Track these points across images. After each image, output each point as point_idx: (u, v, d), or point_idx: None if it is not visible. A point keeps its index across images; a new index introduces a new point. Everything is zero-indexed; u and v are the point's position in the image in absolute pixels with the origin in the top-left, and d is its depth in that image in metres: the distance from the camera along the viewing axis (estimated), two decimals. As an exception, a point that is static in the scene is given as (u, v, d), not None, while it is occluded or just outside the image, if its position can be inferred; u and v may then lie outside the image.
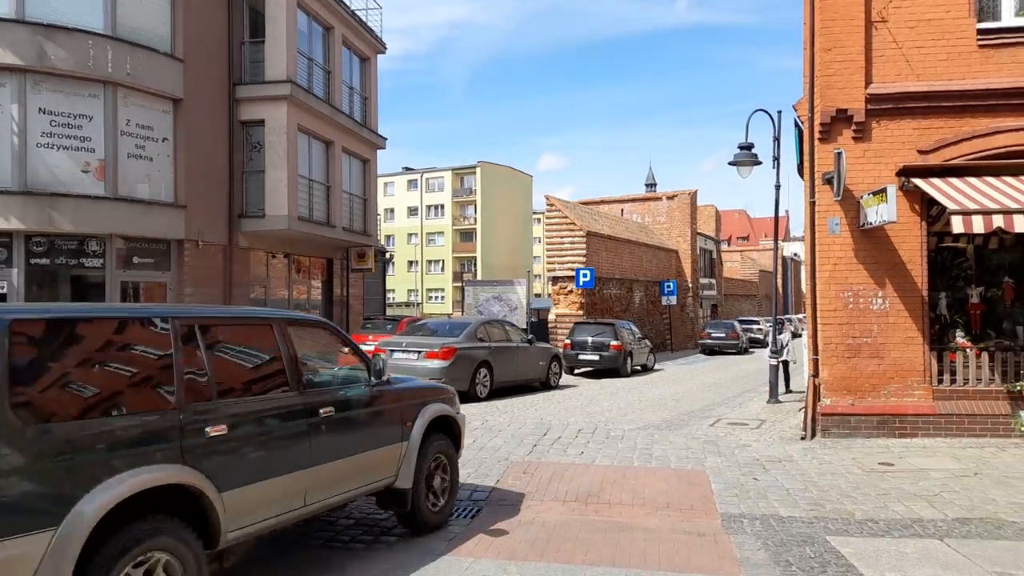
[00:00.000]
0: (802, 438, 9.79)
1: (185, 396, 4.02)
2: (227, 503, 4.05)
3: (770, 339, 14.80)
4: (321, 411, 4.90)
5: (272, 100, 18.26)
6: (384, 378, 5.78)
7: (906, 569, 5.07)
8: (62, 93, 14.59)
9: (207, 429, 4.05)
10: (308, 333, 5.59)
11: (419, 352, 13.78)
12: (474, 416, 11.55)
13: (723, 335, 31.93)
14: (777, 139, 14.32)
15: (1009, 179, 8.84)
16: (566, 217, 26.02)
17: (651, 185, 58.67)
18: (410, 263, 77.04)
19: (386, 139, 24.37)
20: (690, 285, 36.39)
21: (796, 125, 11.50)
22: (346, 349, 5.83)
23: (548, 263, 26.84)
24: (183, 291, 16.59)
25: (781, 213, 14.76)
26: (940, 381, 9.58)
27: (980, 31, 9.43)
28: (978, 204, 8.10)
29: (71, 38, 14.40)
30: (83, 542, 3.29)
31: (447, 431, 6.39)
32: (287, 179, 18.23)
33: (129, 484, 3.53)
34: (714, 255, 44.08)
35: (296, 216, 18.61)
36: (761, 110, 14.68)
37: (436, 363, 13.43)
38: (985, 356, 9.57)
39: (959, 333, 9.89)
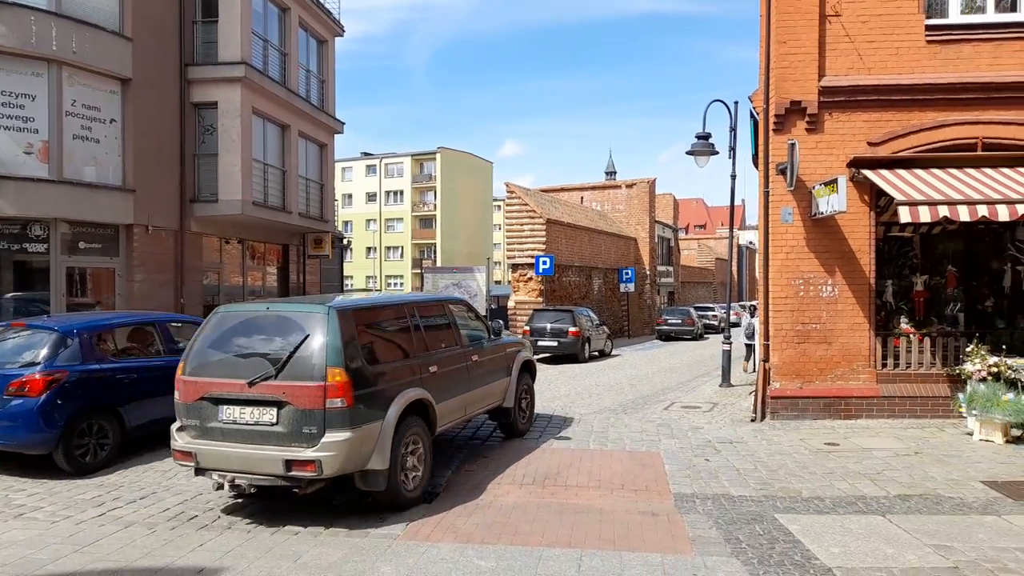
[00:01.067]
0: (752, 420, 10.05)
1: (417, 350, 6.98)
2: (439, 410, 6.97)
3: (724, 325, 15.12)
4: (473, 357, 7.99)
5: (226, 82, 17.81)
6: (499, 336, 8.99)
7: (850, 544, 5.26)
8: (3, 71, 14.00)
9: (430, 368, 7.00)
10: (457, 308, 8.36)
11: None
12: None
13: (679, 321, 32.47)
14: (733, 130, 14.55)
15: (954, 171, 9.15)
16: (526, 204, 26.07)
17: (611, 173, 59.04)
18: (368, 249, 76.27)
19: (344, 123, 24.02)
20: (648, 272, 36.84)
21: (752, 116, 11.70)
22: (473, 316, 8.67)
23: (508, 250, 26.87)
24: (132, 277, 16.16)
25: (737, 202, 15.05)
26: (884, 365, 9.91)
27: (928, 27, 9.71)
28: (924, 195, 8.37)
29: (13, 14, 13.82)
30: (394, 427, 6.16)
31: (529, 370, 9.71)
32: (241, 163, 17.84)
33: (407, 398, 6.43)
34: (671, 243, 44.68)
35: (250, 201, 18.25)
36: (718, 101, 14.90)
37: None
38: (927, 341, 9.93)
39: (904, 319, 10.24)
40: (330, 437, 5.68)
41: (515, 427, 9.10)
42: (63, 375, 7.35)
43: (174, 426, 6.30)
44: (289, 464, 5.65)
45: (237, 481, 5.92)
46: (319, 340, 5.87)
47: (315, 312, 6.10)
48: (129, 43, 15.97)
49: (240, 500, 6.49)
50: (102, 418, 7.64)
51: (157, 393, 8.29)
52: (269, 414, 5.84)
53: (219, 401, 6.01)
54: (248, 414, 5.91)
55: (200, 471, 6.07)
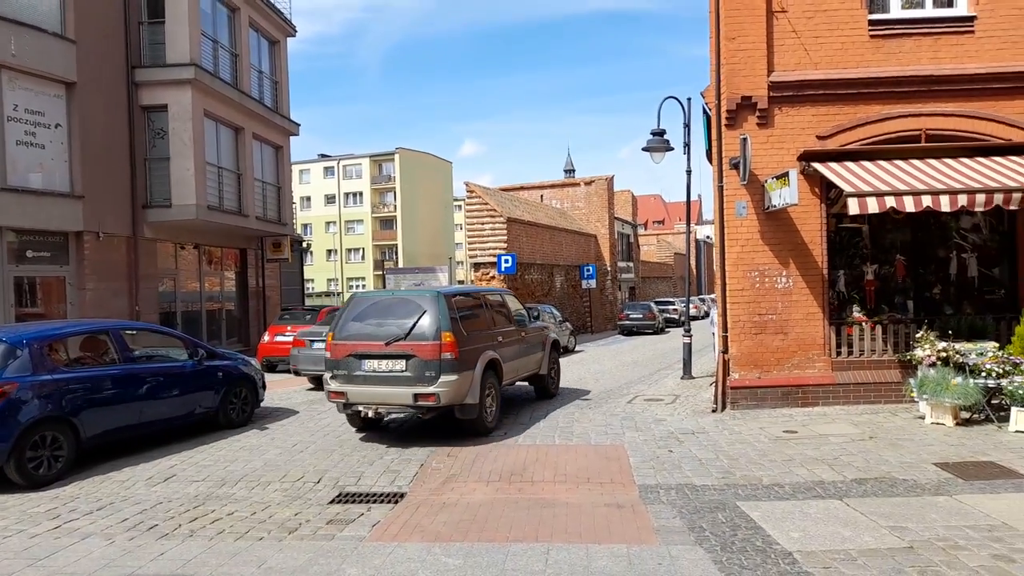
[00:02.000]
0: (713, 411, 10.22)
1: (489, 326, 9.79)
2: (504, 368, 9.75)
3: (685, 319, 15.31)
4: (521, 333, 10.76)
5: (175, 84, 17.46)
6: (537, 320, 12.52)
7: (809, 528, 5.40)
8: (-61, 74, 13.54)
9: (498, 338, 9.77)
10: (509, 298, 11.18)
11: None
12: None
13: (640, 316, 32.81)
14: (687, 126, 14.75)
15: (899, 162, 9.44)
16: (486, 204, 26.06)
17: (570, 171, 59.26)
18: (329, 252, 75.43)
19: (299, 125, 23.73)
20: (609, 269, 37.14)
21: (704, 112, 11.89)
22: (519, 305, 11.52)
23: (470, 250, 26.83)
24: (84, 285, 15.74)
25: (693, 197, 15.28)
26: (839, 353, 10.18)
27: (871, 22, 9.99)
28: (872, 186, 8.61)
29: (-53, 15, 13.36)
30: (481, 376, 8.88)
31: (556, 348, 12.49)
32: (194, 167, 17.51)
33: (488, 357, 9.19)
34: (631, 239, 45.12)
35: (205, 205, 17.92)
36: (672, 97, 15.08)
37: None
38: (879, 329, 10.22)
39: (856, 308, 10.53)
40: (444, 379, 8.44)
41: (548, 390, 12.05)
42: (13, 387, 7.12)
43: (326, 375, 9.00)
44: (416, 397, 8.44)
45: (379, 411, 8.83)
46: (433, 314, 8.64)
47: (428, 295, 8.95)
48: (72, 45, 15.55)
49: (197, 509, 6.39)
50: (55, 429, 7.43)
51: (113, 402, 8.10)
52: (400, 364, 8.60)
53: (362, 357, 8.74)
54: (385, 365, 8.67)
55: (348, 405, 8.88)
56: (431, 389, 8.37)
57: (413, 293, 9.20)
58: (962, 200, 8.31)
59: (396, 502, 6.46)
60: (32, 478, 7.15)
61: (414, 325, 8.58)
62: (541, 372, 11.62)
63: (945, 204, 8.33)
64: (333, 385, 8.83)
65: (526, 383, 11.71)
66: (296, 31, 23.76)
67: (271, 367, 16.30)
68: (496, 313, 10.28)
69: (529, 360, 11.05)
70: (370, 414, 8.83)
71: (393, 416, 9.58)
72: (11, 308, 14.46)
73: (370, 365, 8.67)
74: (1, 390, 7.03)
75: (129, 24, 17.27)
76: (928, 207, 8.37)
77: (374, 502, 6.47)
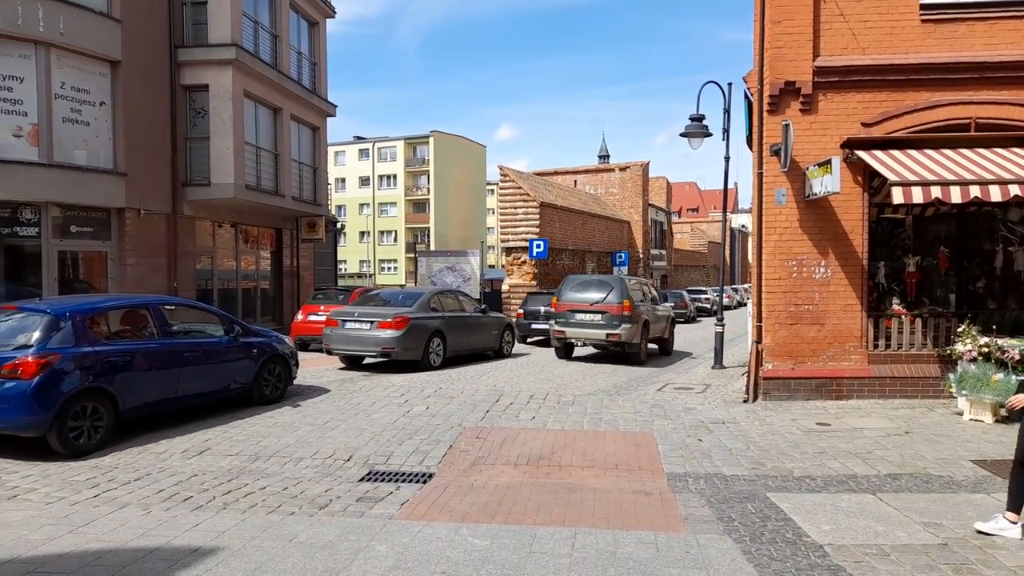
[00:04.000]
0: (744, 401, 10.11)
1: (644, 300, 16.04)
2: (652, 328, 16.10)
3: (717, 308, 15.19)
4: (658, 309, 16.94)
5: (217, 64, 17.67)
6: (666, 301, 20.53)
7: (840, 522, 5.32)
8: (-10, 53, 13.87)
9: (649, 309, 16.34)
10: (653, 287, 17.90)
11: (372, 322, 13.68)
12: (427, 384, 11.59)
13: (672, 304, 32.51)
14: (727, 111, 14.50)
15: (947, 151, 9.16)
16: (520, 188, 25.99)
17: (604, 157, 58.89)
18: (362, 234, 76.03)
19: (336, 107, 23.86)
20: (641, 256, 36.85)
21: (746, 97, 11.67)
22: (654, 291, 17.63)
23: (502, 234, 26.83)
24: (125, 261, 16.10)
25: (730, 185, 15.09)
26: (876, 346, 9.97)
27: (923, 6, 9.68)
28: (917, 176, 8.38)
29: (-2, -6, 13.65)
30: (641, 330, 15.37)
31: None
32: (233, 146, 17.74)
33: (644, 318, 15.52)
34: (665, 226, 44.69)
35: (243, 185, 18.16)
36: (712, 82, 14.83)
37: (389, 332, 13.37)
38: (919, 322, 9.99)
39: (895, 300, 10.29)
40: (623, 327, 14.52)
41: (667, 350, 17.81)
42: (56, 358, 7.31)
43: (551, 322, 15.64)
44: (608, 335, 14.70)
45: (585, 343, 15.78)
46: (618, 289, 14.97)
47: (615, 278, 15.65)
48: (118, 24, 15.81)
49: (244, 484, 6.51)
50: (96, 400, 7.62)
51: (151, 375, 8.29)
52: (598, 316, 14.80)
53: (575, 311, 15.07)
54: (589, 317, 14.91)
55: (562, 339, 15.43)
56: (617, 331, 14.60)
57: (606, 276, 16.80)
58: (1014, 190, 8.04)
59: (424, 482, 6.51)
60: (73, 447, 7.36)
61: (607, 294, 14.94)
62: (665, 336, 17.50)
63: (995, 194, 8.07)
64: (556, 327, 15.45)
65: (655, 345, 17.23)
66: (335, 12, 23.84)
67: (304, 346, 16.54)
68: (648, 293, 16.54)
69: (658, 327, 16.71)
70: (577, 344, 16.13)
71: (588, 346, 16.55)
72: (54, 282, 14.86)
73: (580, 317, 15.12)
74: (44, 360, 7.23)
75: (173, 4, 17.49)
76: (976, 197, 8.12)
77: (403, 481, 6.53)
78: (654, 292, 17.14)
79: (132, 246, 16.30)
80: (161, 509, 5.75)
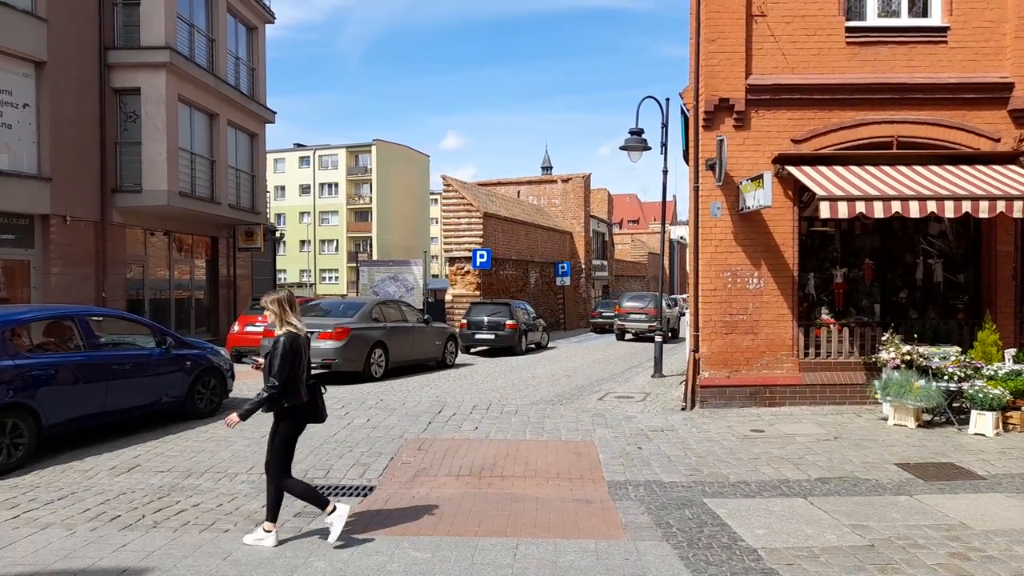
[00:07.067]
0: (683, 409, 10.33)
1: (659, 310, 20.52)
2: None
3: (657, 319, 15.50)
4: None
5: (149, 67, 17.15)
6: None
7: (773, 526, 5.48)
8: (-98, 49, 13.14)
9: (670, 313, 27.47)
10: (665, 301, 22.75)
11: (312, 333, 13.40)
12: (369, 396, 11.44)
13: (613, 314, 32.98)
14: (665, 126, 14.84)
15: (871, 168, 9.59)
16: (463, 198, 26.00)
17: (547, 168, 59.48)
18: (302, 243, 74.66)
19: (275, 113, 23.46)
20: (583, 266, 37.29)
21: (683, 112, 11.97)
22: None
23: (445, 244, 26.75)
24: (50, 270, 15.42)
25: (669, 198, 15.39)
26: (806, 354, 10.33)
27: (848, 29, 10.14)
28: (843, 191, 8.74)
29: (-88, -12, 12.96)
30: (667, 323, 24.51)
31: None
32: (167, 152, 17.22)
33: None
34: (606, 237, 45.32)
35: (177, 191, 17.64)
36: (651, 97, 15.22)
37: (329, 343, 13.16)
38: (846, 331, 10.40)
39: (824, 310, 10.69)
40: (657, 323, 20.85)
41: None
42: (-28, 372, 6.95)
43: (620, 322, 26.52)
44: (650, 328, 24.03)
45: (636, 333, 26.09)
46: (655, 300, 25.37)
47: (653, 295, 27.45)
48: (43, 24, 15.19)
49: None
50: (16, 416, 7.26)
51: (77, 390, 7.94)
52: (644, 316, 25.83)
53: (630, 312, 26.32)
54: (639, 316, 26.04)
55: (623, 332, 26.42)
56: (655, 325, 19.92)
57: (647, 293, 28.39)
58: (931, 206, 8.47)
59: (365, 495, 6.42)
60: (-9, 465, 6.99)
61: (649, 302, 25.20)
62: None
63: (914, 210, 8.49)
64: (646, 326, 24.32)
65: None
66: (275, 18, 23.48)
67: (240, 357, 16.12)
68: (660, 303, 19.36)
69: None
70: (629, 333, 25.73)
71: (639, 334, 24.96)
72: (-27, 291, 14.11)
73: (634, 316, 25.72)
74: (-40, 375, 6.86)
75: (103, 5, 16.91)
76: (897, 212, 8.52)
77: (343, 495, 6.43)
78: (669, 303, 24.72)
79: (57, 254, 15.63)
80: (86, 529, 5.51)
